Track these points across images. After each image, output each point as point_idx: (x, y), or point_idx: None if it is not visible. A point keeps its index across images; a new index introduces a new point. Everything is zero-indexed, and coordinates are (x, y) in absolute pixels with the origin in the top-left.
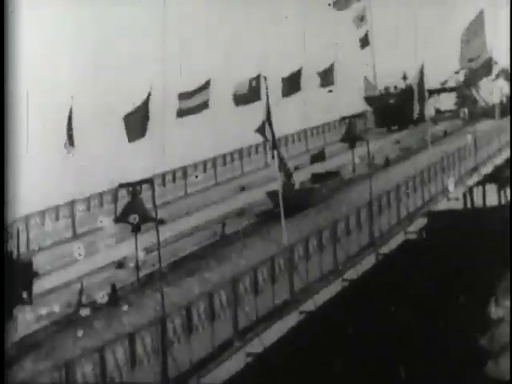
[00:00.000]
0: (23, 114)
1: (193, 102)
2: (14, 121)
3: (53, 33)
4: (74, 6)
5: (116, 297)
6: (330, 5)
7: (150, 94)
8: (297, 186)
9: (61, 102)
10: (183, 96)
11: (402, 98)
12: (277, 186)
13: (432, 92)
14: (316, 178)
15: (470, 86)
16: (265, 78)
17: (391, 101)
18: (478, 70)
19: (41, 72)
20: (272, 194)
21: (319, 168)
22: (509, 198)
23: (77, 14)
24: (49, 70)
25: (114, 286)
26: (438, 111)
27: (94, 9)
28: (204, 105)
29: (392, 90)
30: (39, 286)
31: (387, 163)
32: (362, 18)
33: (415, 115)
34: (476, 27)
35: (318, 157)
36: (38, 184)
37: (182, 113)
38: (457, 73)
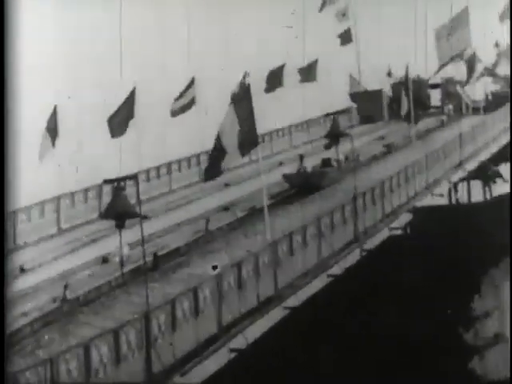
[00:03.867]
0: (22, 113)
1: (183, 102)
2: (12, 119)
3: (53, 33)
4: (74, 6)
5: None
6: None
7: (134, 91)
8: (309, 170)
9: (57, 102)
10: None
11: (416, 86)
12: (264, 180)
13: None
14: (325, 162)
15: (455, 82)
16: (248, 73)
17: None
18: (463, 66)
19: (41, 72)
20: (288, 177)
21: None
22: (493, 194)
23: (76, 15)
24: (48, 70)
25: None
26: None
27: (92, 9)
28: (191, 102)
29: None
30: (25, 281)
31: (389, 150)
32: (343, 15)
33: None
34: (459, 24)
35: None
36: (24, 180)
37: (174, 113)
38: (440, 69)
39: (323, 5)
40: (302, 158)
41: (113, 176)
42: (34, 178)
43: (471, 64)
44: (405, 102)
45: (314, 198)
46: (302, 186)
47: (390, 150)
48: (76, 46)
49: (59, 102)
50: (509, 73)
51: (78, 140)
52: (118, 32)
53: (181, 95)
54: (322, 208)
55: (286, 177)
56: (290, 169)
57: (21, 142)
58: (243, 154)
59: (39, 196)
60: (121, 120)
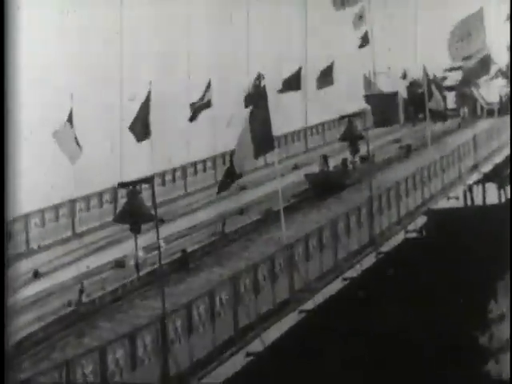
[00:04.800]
0: (24, 113)
1: (199, 105)
2: (15, 120)
3: (53, 33)
4: (73, 6)
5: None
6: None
7: (149, 94)
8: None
9: (60, 102)
10: (193, 105)
11: (431, 88)
12: (279, 183)
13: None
14: (343, 163)
15: (470, 84)
16: (263, 76)
17: (420, 90)
18: (476, 68)
19: (41, 72)
20: (309, 176)
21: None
22: (509, 197)
23: (77, 14)
24: (48, 70)
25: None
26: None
27: (93, 9)
28: (207, 104)
29: (420, 81)
30: (40, 285)
31: (409, 151)
32: (360, 17)
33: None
34: (474, 24)
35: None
36: (37, 183)
37: (192, 118)
38: (455, 69)
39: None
40: (325, 158)
41: (128, 179)
42: (47, 181)
43: (486, 65)
44: (437, 98)
45: (330, 200)
46: (325, 185)
47: (408, 152)
48: (76, 46)
49: (58, 102)
50: None
51: (88, 143)
52: (119, 32)
53: (199, 101)
54: (339, 210)
55: (308, 176)
56: (306, 171)
57: (22, 144)
58: (257, 157)
59: (53, 199)
60: (142, 124)
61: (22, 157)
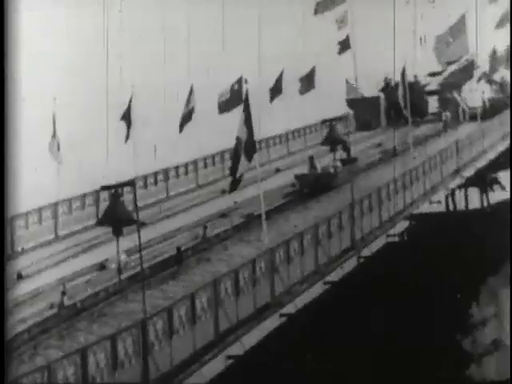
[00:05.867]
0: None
1: (187, 111)
2: (12, 122)
3: (53, 33)
4: (73, 6)
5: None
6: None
7: (131, 98)
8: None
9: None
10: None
11: (412, 91)
12: (261, 187)
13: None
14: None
15: (452, 89)
16: (245, 80)
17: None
18: (460, 72)
19: (40, 72)
20: (300, 177)
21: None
22: (491, 202)
23: (76, 15)
24: (48, 71)
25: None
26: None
27: (93, 9)
28: (192, 110)
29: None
30: (23, 287)
31: (394, 153)
32: (342, 21)
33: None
34: (457, 30)
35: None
36: (22, 186)
37: (180, 129)
38: (436, 75)
39: (319, 9)
40: (312, 159)
41: (111, 182)
42: (32, 184)
43: (469, 70)
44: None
45: (313, 203)
46: (313, 186)
47: (392, 155)
48: (76, 46)
49: (58, 103)
50: (506, 79)
51: (77, 144)
52: (118, 32)
53: (185, 105)
54: (321, 214)
55: (297, 177)
56: (288, 175)
57: (21, 146)
58: (249, 160)
59: (37, 202)
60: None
61: (21, 157)
